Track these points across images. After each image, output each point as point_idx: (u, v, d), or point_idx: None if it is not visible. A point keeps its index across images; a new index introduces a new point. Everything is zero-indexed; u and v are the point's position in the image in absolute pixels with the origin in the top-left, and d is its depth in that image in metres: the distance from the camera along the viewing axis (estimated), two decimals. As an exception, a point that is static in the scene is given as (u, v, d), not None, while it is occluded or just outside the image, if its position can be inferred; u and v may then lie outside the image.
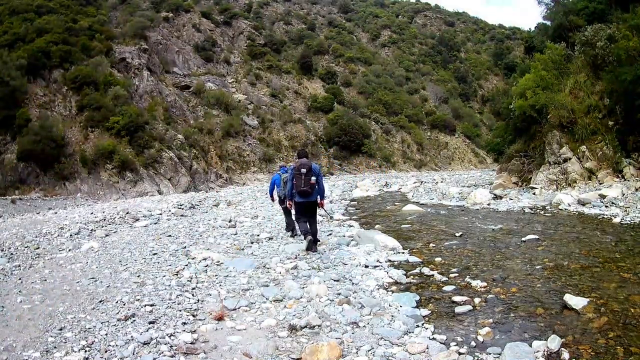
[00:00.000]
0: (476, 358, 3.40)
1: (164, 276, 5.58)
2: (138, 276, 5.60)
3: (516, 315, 4.12)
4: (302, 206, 6.88)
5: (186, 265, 6.19)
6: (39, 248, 8.09)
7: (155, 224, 11.06)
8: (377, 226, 9.31)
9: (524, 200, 11.93)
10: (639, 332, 3.59)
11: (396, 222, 10.00)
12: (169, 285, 5.18)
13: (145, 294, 4.84)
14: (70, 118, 26.32)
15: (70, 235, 9.38)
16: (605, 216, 8.82)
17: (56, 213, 15.38)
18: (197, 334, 3.88)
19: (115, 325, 3.97)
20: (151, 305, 4.45)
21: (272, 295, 4.81)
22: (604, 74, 12.87)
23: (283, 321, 4.18)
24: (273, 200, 9.18)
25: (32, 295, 5.00)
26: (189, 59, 42.64)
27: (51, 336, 3.76)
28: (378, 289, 5.05)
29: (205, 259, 6.46)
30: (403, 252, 6.74)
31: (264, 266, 6.09)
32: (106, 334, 3.78)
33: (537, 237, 7.17)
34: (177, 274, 5.71)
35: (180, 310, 4.37)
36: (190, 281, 5.40)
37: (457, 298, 4.60)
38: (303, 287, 5.07)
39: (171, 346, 3.59)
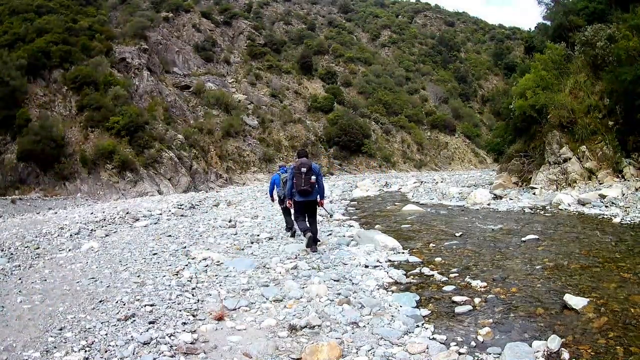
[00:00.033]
0: (476, 358, 3.40)
1: (164, 276, 5.58)
2: (138, 276, 5.60)
3: (516, 315, 4.12)
4: (302, 205, 6.89)
5: (186, 265, 6.19)
6: (39, 248, 8.09)
7: (155, 224, 11.06)
8: (377, 226, 9.31)
9: (524, 200, 11.93)
10: (639, 332, 3.59)
11: (396, 222, 10.00)
12: (169, 285, 5.18)
13: (145, 294, 4.84)
14: (70, 118, 26.32)
15: (70, 235, 9.38)
16: (605, 216, 8.82)
17: (56, 213, 15.38)
18: (197, 334, 3.87)
19: (115, 325, 3.97)
20: (151, 305, 4.45)
21: (272, 295, 4.81)
22: (604, 74, 12.87)
23: (283, 321, 4.18)
24: (273, 200, 9.20)
25: (32, 295, 5.00)
26: (189, 59, 42.65)
27: (51, 336, 3.76)
28: (378, 289, 5.05)
29: (205, 259, 6.46)
30: (403, 252, 6.73)
31: (264, 266, 6.09)
32: (106, 334, 3.78)
33: (537, 237, 7.17)
34: (177, 274, 5.71)
35: (180, 310, 4.37)
36: (190, 281, 5.40)
37: (457, 298, 4.60)
38: (303, 287, 5.07)
39: (171, 346, 3.59)
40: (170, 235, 8.83)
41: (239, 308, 4.53)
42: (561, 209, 10.14)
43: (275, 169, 9.76)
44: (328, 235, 8.28)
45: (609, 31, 13.17)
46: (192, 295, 4.89)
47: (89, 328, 3.91)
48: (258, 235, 8.41)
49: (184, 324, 4.05)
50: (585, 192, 11.31)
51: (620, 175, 11.91)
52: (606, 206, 9.74)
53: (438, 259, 6.25)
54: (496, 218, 9.70)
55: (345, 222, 10.30)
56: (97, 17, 34.90)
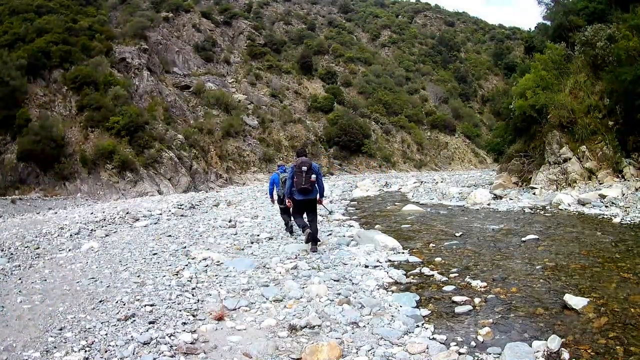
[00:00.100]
0: (476, 358, 3.40)
1: (164, 276, 5.58)
2: (138, 276, 5.60)
3: (516, 315, 4.12)
4: (302, 204, 6.92)
5: (186, 265, 6.18)
6: (39, 248, 8.09)
7: (155, 224, 11.06)
8: (377, 226, 9.31)
9: (524, 200, 11.93)
10: (639, 332, 3.59)
11: (396, 222, 10.00)
12: (169, 285, 5.18)
13: (145, 294, 4.84)
14: (70, 118, 26.33)
15: (70, 235, 9.38)
16: (605, 216, 8.81)
17: (56, 213, 15.38)
18: (197, 334, 3.88)
19: (115, 325, 3.97)
20: (151, 305, 4.45)
21: (272, 295, 4.81)
22: (604, 74, 12.87)
23: (283, 321, 4.18)
24: (273, 202, 9.18)
25: (32, 295, 5.00)
26: (189, 59, 42.65)
27: (51, 336, 3.76)
28: (378, 289, 5.05)
29: (205, 259, 6.46)
30: (403, 252, 6.73)
31: (264, 266, 6.09)
32: (106, 334, 3.78)
33: (537, 237, 7.17)
34: (177, 274, 5.71)
35: (180, 310, 4.37)
36: (190, 281, 5.40)
37: (457, 298, 4.60)
38: (303, 287, 5.07)
39: (171, 346, 3.59)
40: (170, 235, 8.83)
41: (239, 308, 4.53)
42: (561, 209, 10.14)
43: (274, 169, 9.77)
44: (328, 235, 8.28)
45: (609, 31, 13.17)
46: (192, 295, 4.89)
47: (89, 328, 3.91)
48: (258, 235, 8.41)
49: (184, 324, 4.05)
50: (585, 192, 11.31)
51: (620, 175, 11.91)
52: (606, 206, 9.74)
53: (438, 259, 6.25)
54: (496, 218, 9.70)
55: (345, 222, 10.30)
56: (97, 17, 34.91)
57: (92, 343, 3.61)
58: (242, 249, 7.33)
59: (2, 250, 7.85)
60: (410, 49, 67.18)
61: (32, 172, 23.53)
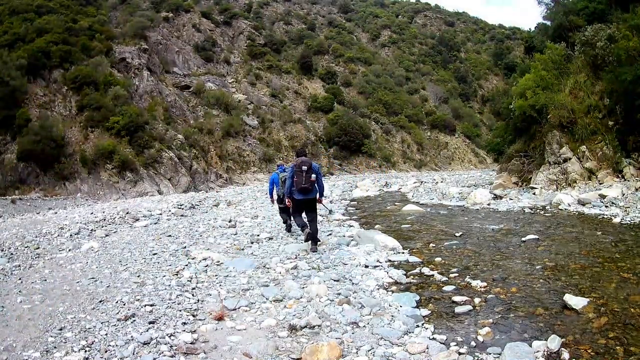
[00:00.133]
0: (476, 358, 3.40)
1: (164, 276, 5.58)
2: (138, 276, 5.60)
3: (516, 315, 4.12)
4: (302, 203, 6.93)
5: (186, 265, 6.19)
6: (39, 248, 8.09)
7: (155, 224, 11.06)
8: (377, 226, 9.31)
9: (524, 200, 11.93)
10: (639, 332, 3.59)
11: (396, 222, 10.00)
12: (169, 285, 5.18)
13: (145, 294, 4.84)
14: (70, 118, 26.33)
15: (70, 235, 9.38)
16: (605, 216, 8.81)
17: (56, 213, 15.38)
18: (197, 334, 3.88)
19: (115, 325, 3.97)
20: (151, 305, 4.45)
21: (272, 295, 4.81)
22: (604, 74, 12.87)
23: (283, 321, 4.18)
24: (273, 201, 9.20)
25: (32, 295, 5.00)
26: (189, 59, 42.65)
27: (51, 336, 3.76)
28: (378, 289, 5.05)
29: (205, 259, 6.46)
30: (403, 252, 6.73)
31: (264, 266, 6.09)
32: (106, 334, 3.78)
33: (537, 237, 7.17)
34: (177, 274, 5.71)
35: (180, 310, 4.37)
36: (190, 281, 5.40)
37: (457, 298, 4.60)
38: (303, 287, 5.07)
39: (171, 346, 3.59)
40: (170, 235, 8.83)
41: (239, 308, 4.53)
42: (561, 209, 10.14)
43: (274, 169, 9.80)
44: (328, 235, 8.28)
45: (609, 31, 13.17)
46: (192, 295, 4.89)
47: (89, 328, 3.91)
48: (258, 235, 8.42)
49: (184, 324, 4.05)
50: (585, 192, 11.31)
51: (620, 175, 11.91)
52: (606, 206, 9.74)
53: (438, 259, 6.25)
54: (496, 218, 9.70)
55: (345, 222, 10.30)
56: (97, 17, 34.91)
57: (92, 343, 3.61)
58: (242, 249, 7.33)
59: (2, 250, 7.85)
60: (410, 49, 67.18)
61: (32, 172, 23.53)
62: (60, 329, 3.91)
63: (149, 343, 3.62)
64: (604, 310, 4.04)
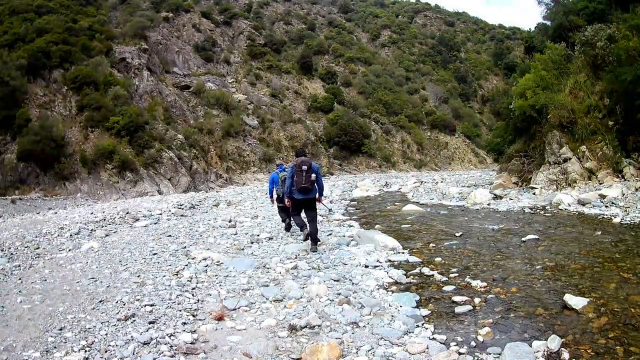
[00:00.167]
0: (476, 358, 3.40)
1: (164, 276, 5.58)
2: (138, 276, 5.60)
3: (516, 315, 4.12)
4: (302, 203, 6.95)
5: (186, 265, 6.19)
6: (39, 248, 8.09)
7: (155, 224, 11.06)
8: (377, 226, 9.31)
9: (524, 200, 11.93)
10: (639, 332, 3.59)
11: (396, 222, 10.00)
12: (169, 285, 5.18)
13: (145, 294, 4.84)
14: (70, 118, 26.32)
15: (70, 235, 9.38)
16: (605, 216, 8.82)
17: (56, 213, 15.38)
18: (197, 334, 3.88)
19: (115, 325, 3.97)
20: (151, 305, 4.45)
21: (272, 295, 4.81)
22: (604, 74, 12.87)
23: (283, 321, 4.19)
24: (273, 201, 9.22)
25: (32, 295, 5.00)
26: (189, 59, 42.65)
27: (51, 336, 3.76)
28: (378, 289, 5.05)
29: (205, 259, 6.46)
30: (403, 252, 6.74)
31: (264, 266, 6.09)
32: (106, 334, 3.78)
33: (537, 237, 7.17)
34: (177, 274, 5.71)
35: (180, 310, 4.37)
36: (190, 281, 5.40)
37: (457, 298, 4.60)
38: (303, 287, 5.07)
39: (171, 346, 3.59)
40: (170, 235, 8.83)
41: (239, 308, 4.53)
42: (561, 209, 10.14)
43: (274, 169, 9.84)
44: (328, 235, 8.28)
45: (609, 31, 13.17)
46: (192, 295, 4.89)
47: (89, 328, 3.91)
48: (258, 235, 8.42)
49: (184, 324, 4.05)
50: (585, 192, 11.31)
51: (620, 175, 11.91)
52: (606, 206, 9.74)
53: (438, 259, 6.25)
54: (496, 218, 9.70)
55: (345, 222, 10.30)
56: (97, 17, 34.90)
57: (92, 343, 3.61)
58: (242, 249, 7.33)
59: (2, 250, 7.85)
60: (410, 49, 67.18)
61: (32, 172, 23.53)
62: (60, 329, 3.91)
63: (149, 343, 3.62)
64: (604, 310, 4.04)
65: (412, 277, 5.52)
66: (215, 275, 5.67)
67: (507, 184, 15.11)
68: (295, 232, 8.43)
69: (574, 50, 14.76)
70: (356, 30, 69.74)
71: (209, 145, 32.38)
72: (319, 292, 4.82)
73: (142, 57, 32.82)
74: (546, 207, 10.61)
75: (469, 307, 4.34)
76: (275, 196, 8.93)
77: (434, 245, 7.23)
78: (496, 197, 12.83)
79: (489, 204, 11.88)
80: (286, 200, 7.29)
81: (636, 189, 10.71)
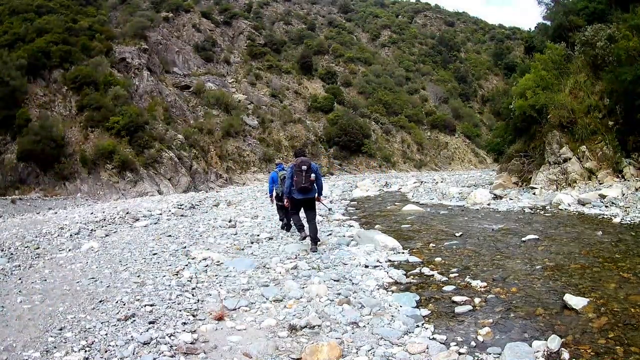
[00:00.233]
0: (476, 358, 3.40)
1: (164, 276, 5.58)
2: (138, 276, 5.60)
3: (516, 315, 4.12)
4: (301, 202, 6.98)
5: (186, 265, 6.19)
6: (39, 248, 8.09)
7: (155, 224, 11.06)
8: (377, 226, 9.31)
9: (524, 200, 11.93)
10: (639, 332, 3.59)
11: (396, 222, 10.00)
12: (169, 285, 5.18)
13: (145, 294, 4.84)
14: (70, 118, 26.32)
15: (70, 235, 9.38)
16: (605, 216, 8.82)
17: (56, 213, 15.38)
18: (197, 334, 3.88)
19: (115, 325, 3.97)
20: (151, 305, 4.45)
21: (272, 295, 4.81)
22: (604, 74, 12.87)
23: (283, 321, 4.19)
24: (273, 201, 9.23)
25: (32, 295, 5.00)
26: (189, 59, 42.65)
27: (51, 336, 3.76)
28: (378, 289, 5.05)
29: (205, 259, 6.46)
30: (403, 252, 6.74)
31: (264, 266, 6.09)
32: (106, 334, 3.78)
33: (537, 237, 7.17)
34: (177, 274, 5.71)
35: (180, 310, 4.37)
36: (190, 281, 5.40)
37: (457, 298, 4.60)
38: (303, 287, 5.07)
39: (171, 346, 3.59)
40: (170, 235, 8.83)
41: (239, 308, 4.53)
42: (561, 209, 10.14)
43: (274, 168, 9.87)
44: (328, 235, 8.28)
45: (609, 31, 13.17)
46: (192, 295, 4.90)
47: (89, 328, 3.91)
48: (258, 235, 8.42)
49: (184, 324, 4.05)
50: (585, 192, 11.31)
51: (620, 175, 11.91)
52: (606, 206, 9.74)
53: (438, 259, 6.25)
54: (496, 218, 9.70)
55: (345, 222, 10.30)
56: (97, 17, 34.90)
57: (92, 343, 3.61)
58: (242, 249, 7.33)
59: (2, 250, 7.85)
60: (410, 49, 67.18)
61: (32, 172, 23.53)
62: (60, 329, 3.91)
63: (149, 343, 3.62)
64: (604, 310, 4.04)
65: (412, 277, 5.52)
66: (215, 275, 5.67)
67: (507, 184, 15.11)
68: (295, 233, 8.42)
69: (574, 50, 14.76)
70: (356, 30, 69.74)
71: (209, 145, 32.38)
72: (319, 292, 4.82)
73: (142, 57, 32.82)
74: (546, 207, 10.61)
75: (469, 307, 4.34)
76: (274, 194, 8.96)
77: (434, 245, 7.23)
78: (496, 197, 12.83)
79: (489, 204, 11.88)
80: (285, 200, 7.31)
81: (636, 189, 10.71)
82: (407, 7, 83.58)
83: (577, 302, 4.13)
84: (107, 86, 27.13)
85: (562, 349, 3.36)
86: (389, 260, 6.31)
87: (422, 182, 21.82)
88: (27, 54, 26.36)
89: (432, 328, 3.95)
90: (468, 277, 5.29)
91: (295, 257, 6.52)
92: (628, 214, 8.75)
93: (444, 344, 3.64)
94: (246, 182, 31.50)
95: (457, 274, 5.46)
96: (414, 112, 50.76)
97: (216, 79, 41.98)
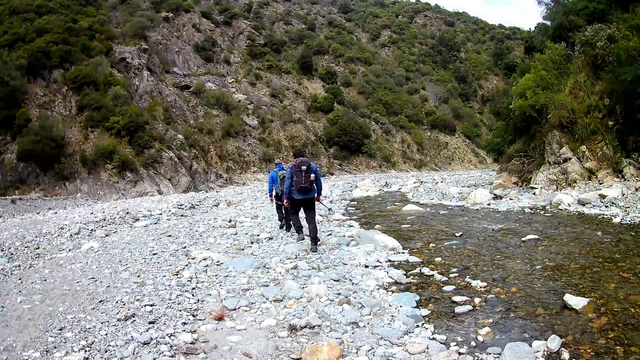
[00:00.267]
0: (476, 358, 3.40)
1: (164, 276, 5.58)
2: (138, 276, 5.60)
3: (516, 315, 4.12)
4: (301, 202, 7.00)
5: (186, 265, 6.19)
6: (39, 248, 8.09)
7: (155, 224, 11.06)
8: (377, 226, 9.31)
9: (524, 200, 11.93)
10: (639, 332, 3.59)
11: (396, 222, 10.00)
12: (169, 285, 5.18)
13: (145, 294, 4.84)
14: (70, 118, 26.32)
15: (70, 235, 9.38)
16: (605, 216, 8.82)
17: (56, 213, 15.38)
18: (197, 334, 3.88)
19: (115, 325, 3.97)
20: (151, 305, 4.45)
21: (272, 295, 4.81)
22: (604, 74, 12.87)
23: (283, 321, 4.19)
24: (272, 201, 9.24)
25: (32, 295, 5.00)
26: (189, 59, 42.65)
27: (51, 336, 3.76)
28: (378, 289, 5.05)
29: (205, 259, 6.46)
30: (403, 252, 6.74)
31: (264, 266, 6.09)
32: (106, 334, 3.78)
33: (537, 237, 7.17)
34: (177, 274, 5.71)
35: (180, 310, 4.37)
36: (190, 281, 5.40)
37: (457, 298, 4.60)
38: (303, 287, 5.07)
39: (171, 346, 3.59)
40: (170, 235, 8.83)
41: (239, 308, 4.53)
42: (561, 209, 10.14)
43: (274, 168, 9.90)
44: (328, 235, 8.28)
45: (609, 31, 13.17)
46: (192, 295, 4.89)
47: (89, 328, 3.91)
48: (258, 235, 8.42)
49: (184, 324, 4.05)
50: (585, 192, 11.32)
51: (620, 175, 11.91)
52: (606, 206, 9.74)
53: (438, 259, 6.25)
54: (496, 218, 9.70)
55: (345, 222, 10.30)
56: (97, 17, 34.90)
57: (92, 343, 3.61)
58: (242, 249, 7.33)
59: (2, 250, 7.85)
60: (410, 49, 67.18)
61: (32, 172, 23.53)
62: (60, 329, 3.91)
63: (149, 343, 3.62)
64: (604, 310, 4.04)
65: (412, 277, 5.52)
66: (215, 275, 5.67)
67: (507, 184, 15.11)
68: (295, 233, 8.42)
69: (574, 50, 14.76)
70: (356, 30, 69.73)
71: (209, 145, 32.38)
72: (319, 292, 4.82)
73: (142, 57, 32.82)
74: (546, 207, 10.61)
75: (469, 307, 4.34)
76: (274, 193, 8.97)
77: (434, 245, 7.23)
78: (496, 197, 12.83)
79: (489, 204, 11.88)
80: (285, 200, 7.32)
81: (636, 189, 10.71)
82: (407, 7, 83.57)
83: (577, 302, 4.13)
84: (107, 86, 27.14)
85: (562, 349, 3.36)
86: (389, 260, 6.31)
87: (422, 182, 21.82)
88: (27, 54, 26.36)
89: (432, 328, 3.95)
90: (468, 277, 5.29)
91: (295, 257, 6.52)
92: (628, 214, 8.75)
93: (444, 344, 3.64)
94: (246, 182, 31.50)
95: (457, 274, 5.46)
96: (414, 112, 50.76)
97: (216, 79, 41.99)
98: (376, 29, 70.92)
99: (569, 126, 13.23)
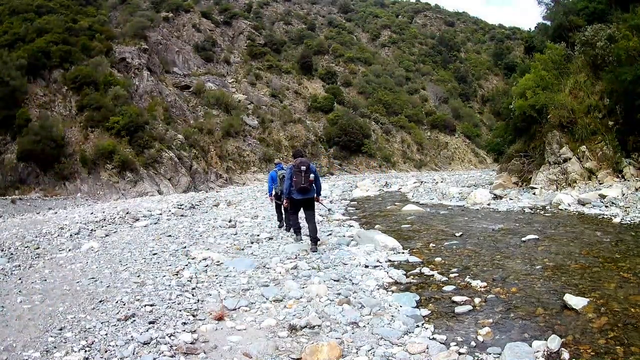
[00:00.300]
0: (476, 358, 3.40)
1: (164, 276, 5.58)
2: (138, 276, 5.60)
3: (516, 315, 4.12)
4: (301, 203, 7.01)
5: (186, 265, 6.19)
6: (39, 248, 8.09)
7: (155, 224, 11.06)
8: (377, 226, 9.31)
9: (524, 200, 11.93)
10: (639, 332, 3.59)
11: (396, 222, 10.00)
12: (169, 285, 5.18)
13: (145, 294, 4.84)
14: (70, 118, 26.32)
15: (70, 235, 9.38)
16: (605, 216, 8.81)
17: (56, 213, 15.38)
18: (197, 334, 3.88)
19: (115, 325, 3.97)
20: (151, 305, 4.45)
21: (272, 295, 4.81)
22: (604, 74, 12.87)
23: (283, 321, 4.19)
24: (272, 200, 9.25)
25: (32, 295, 5.00)
26: (189, 59, 42.65)
27: (51, 336, 3.76)
28: (378, 289, 5.05)
29: (205, 259, 6.46)
30: (403, 252, 6.74)
31: (264, 266, 6.09)
32: (106, 334, 3.79)
33: (537, 237, 7.17)
34: (177, 274, 5.71)
35: (180, 310, 4.37)
36: (190, 281, 5.40)
37: (457, 298, 4.60)
38: (303, 287, 5.07)
39: (171, 346, 3.59)
40: (170, 235, 8.83)
41: (239, 308, 4.53)
42: (561, 209, 10.14)
43: (273, 167, 9.90)
44: (328, 235, 8.28)
45: (609, 31, 13.17)
46: (192, 295, 4.90)
47: (89, 328, 3.91)
48: (258, 235, 8.42)
49: (184, 324, 4.05)
50: (585, 192, 11.31)
51: (620, 175, 11.91)
52: (606, 206, 9.74)
53: (438, 259, 6.25)
54: (496, 218, 9.70)
55: (345, 222, 10.30)
56: (97, 17, 34.90)
57: (92, 343, 3.61)
58: (242, 249, 7.33)
59: (2, 250, 7.85)
60: (410, 49, 67.17)
61: (32, 172, 23.52)
62: (60, 329, 3.91)
63: (149, 343, 3.62)
64: (604, 310, 4.04)
65: (412, 277, 5.52)
66: (215, 275, 5.67)
67: (507, 184, 15.11)
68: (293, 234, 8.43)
69: (574, 50, 14.76)
70: (356, 30, 69.73)
71: (209, 145, 32.38)
72: (319, 292, 4.82)
73: (142, 57, 32.81)
74: (546, 207, 10.61)
75: (469, 307, 4.34)
76: (274, 193, 8.97)
77: (434, 245, 7.23)
78: (496, 197, 12.83)
79: (489, 204, 11.88)
80: (284, 200, 7.33)
81: (636, 189, 10.71)
82: (407, 7, 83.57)
83: (577, 302, 4.13)
84: (107, 86, 27.13)
85: (562, 349, 3.36)
86: (389, 260, 6.31)
87: (422, 182, 21.82)
88: (27, 54, 26.35)
89: (432, 328, 3.95)
90: (468, 277, 5.29)
91: (295, 257, 6.52)
92: (628, 214, 8.75)
93: (444, 344, 3.64)
94: (246, 182, 31.51)
95: (457, 274, 5.46)
96: (414, 112, 50.76)
97: (216, 79, 41.98)
98: (376, 29, 70.92)
99: (569, 126, 13.23)
